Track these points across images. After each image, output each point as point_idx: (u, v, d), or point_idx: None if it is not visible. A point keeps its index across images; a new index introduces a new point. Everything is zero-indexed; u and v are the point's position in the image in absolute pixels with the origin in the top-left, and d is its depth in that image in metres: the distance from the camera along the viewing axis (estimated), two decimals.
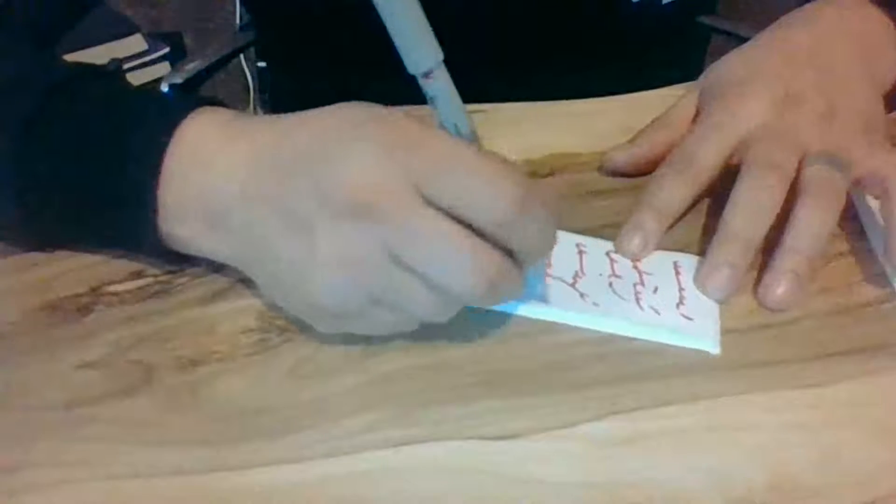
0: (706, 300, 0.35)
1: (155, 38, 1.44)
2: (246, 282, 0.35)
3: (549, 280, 0.36)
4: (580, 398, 0.31)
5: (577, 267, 0.37)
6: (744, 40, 0.46)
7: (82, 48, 1.30)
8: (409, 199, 0.28)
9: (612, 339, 0.34)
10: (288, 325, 0.34)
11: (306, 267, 0.29)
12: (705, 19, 0.73)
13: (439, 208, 0.28)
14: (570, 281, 0.36)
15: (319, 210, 0.28)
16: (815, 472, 0.29)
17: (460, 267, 0.28)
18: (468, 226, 0.28)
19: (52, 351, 0.33)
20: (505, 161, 0.29)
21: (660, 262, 0.37)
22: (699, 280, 0.36)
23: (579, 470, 0.29)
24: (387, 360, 0.33)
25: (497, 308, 0.34)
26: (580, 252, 0.37)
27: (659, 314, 0.34)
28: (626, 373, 0.32)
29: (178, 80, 0.78)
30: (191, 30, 1.64)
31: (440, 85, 0.29)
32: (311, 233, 0.29)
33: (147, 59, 1.40)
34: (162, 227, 0.33)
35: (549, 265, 0.36)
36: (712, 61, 0.47)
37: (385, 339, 0.33)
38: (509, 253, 0.29)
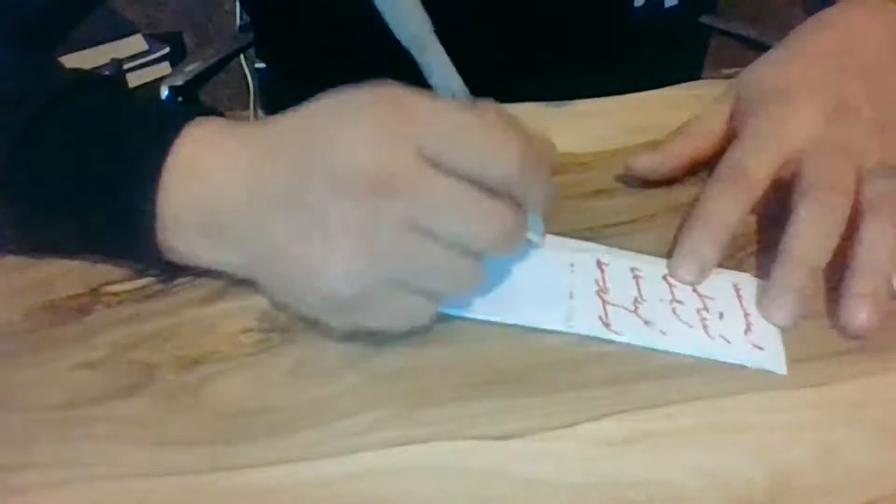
0: (770, 325, 0.34)
1: (155, 38, 1.44)
2: (246, 282, 0.35)
3: (609, 307, 0.35)
4: (580, 398, 0.31)
5: (636, 293, 0.36)
6: (744, 40, 0.46)
7: (82, 48, 1.30)
8: (419, 167, 0.28)
9: (611, 338, 0.34)
10: (288, 324, 0.34)
11: (322, 258, 0.29)
12: (706, 19, 0.73)
13: (445, 170, 0.29)
14: (632, 308, 0.35)
15: (331, 197, 0.29)
16: (815, 471, 0.29)
17: (477, 220, 0.29)
18: (474, 180, 0.29)
19: (52, 351, 0.33)
20: (503, 117, 0.30)
21: (719, 285, 0.36)
22: (764, 307, 0.34)
23: (579, 470, 0.29)
24: (387, 360, 0.33)
25: (559, 331, 0.34)
26: (636, 277, 0.36)
27: (729, 343, 0.33)
28: (626, 373, 0.32)
29: (179, 81, 0.78)
30: (191, 30, 1.64)
31: (432, 54, 0.29)
32: (326, 223, 0.29)
33: (147, 59, 1.41)
34: (161, 240, 0.33)
35: (606, 291, 0.36)
36: (712, 61, 0.46)
37: (385, 339, 0.33)
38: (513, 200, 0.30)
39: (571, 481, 0.28)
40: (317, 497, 0.28)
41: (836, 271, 0.35)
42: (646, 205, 0.41)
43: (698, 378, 0.32)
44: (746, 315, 0.35)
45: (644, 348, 0.33)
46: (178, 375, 0.32)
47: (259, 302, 0.35)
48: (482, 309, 0.34)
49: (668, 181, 0.43)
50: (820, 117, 0.38)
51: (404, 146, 0.28)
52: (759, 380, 0.32)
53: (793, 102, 0.39)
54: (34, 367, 0.33)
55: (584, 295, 0.35)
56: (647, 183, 0.43)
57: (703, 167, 0.42)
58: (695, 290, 0.36)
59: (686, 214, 0.39)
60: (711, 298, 0.35)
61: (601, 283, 0.36)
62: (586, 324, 0.34)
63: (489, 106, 0.31)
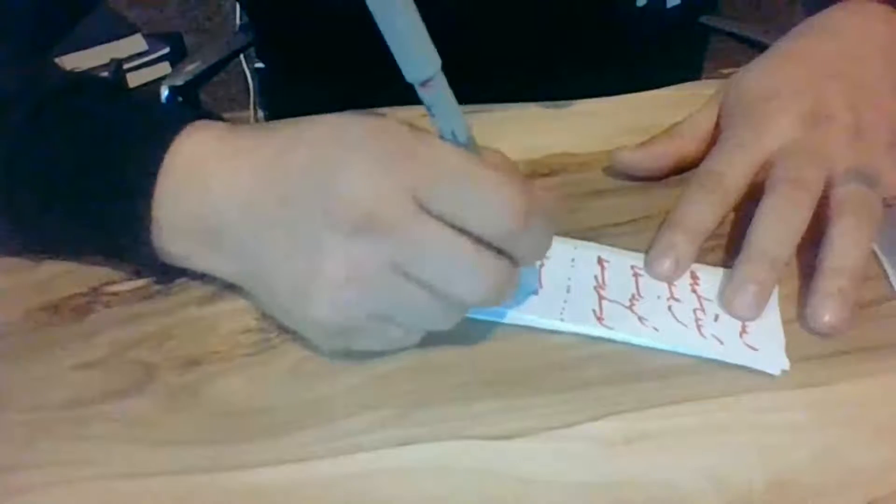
0: (769, 323, 0.34)
1: (155, 38, 1.44)
2: None
3: (604, 302, 0.35)
4: (580, 398, 0.31)
5: (634, 289, 0.36)
6: (744, 40, 0.46)
7: (82, 48, 1.30)
8: (411, 211, 0.28)
9: (611, 338, 0.34)
10: None
11: (310, 287, 0.29)
12: (706, 19, 0.73)
13: (440, 218, 0.28)
14: (627, 304, 0.35)
15: (325, 229, 0.28)
16: (815, 472, 0.29)
17: (466, 275, 0.28)
18: (468, 232, 0.28)
19: (52, 351, 0.33)
20: (505, 167, 0.29)
21: (718, 286, 0.36)
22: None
23: (579, 470, 0.29)
24: (387, 360, 0.33)
25: (551, 326, 0.34)
26: (635, 274, 0.37)
27: (722, 344, 0.33)
28: (626, 373, 0.32)
29: (179, 81, 0.78)
30: (191, 30, 1.64)
31: (438, 93, 0.28)
32: (318, 252, 0.28)
33: (147, 59, 1.40)
34: (157, 243, 0.33)
35: (604, 287, 0.36)
36: (712, 61, 0.46)
37: None
38: (507, 255, 0.29)
39: (571, 481, 0.28)
40: (316, 497, 0.28)
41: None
42: (646, 205, 0.41)
43: (698, 378, 0.32)
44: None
45: (636, 344, 0.33)
46: (178, 375, 0.32)
47: None
48: None
49: (650, 178, 0.43)
50: (795, 123, 0.39)
51: (399, 188, 0.28)
52: (759, 380, 0.32)
53: (770, 109, 0.40)
54: (34, 367, 0.33)
55: (580, 289, 0.36)
56: (647, 182, 0.43)
57: (693, 168, 0.43)
58: (694, 291, 0.36)
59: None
60: (709, 300, 0.35)
61: (600, 280, 0.36)
62: (579, 317, 0.34)
63: (494, 155, 0.30)
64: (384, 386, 0.32)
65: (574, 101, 0.50)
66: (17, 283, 0.36)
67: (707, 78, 0.65)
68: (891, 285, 0.36)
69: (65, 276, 0.37)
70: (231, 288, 0.36)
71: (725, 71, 0.48)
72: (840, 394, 0.31)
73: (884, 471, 0.29)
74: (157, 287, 0.36)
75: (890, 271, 0.37)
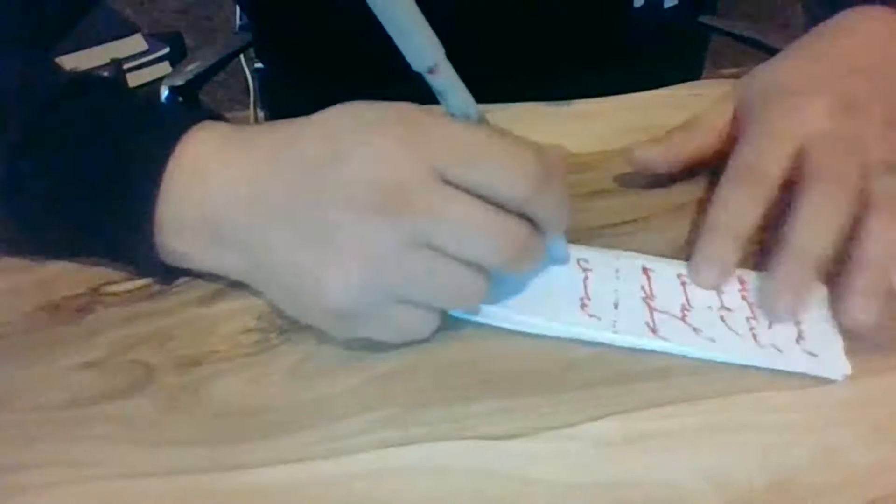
0: (826, 328, 0.33)
1: (155, 38, 1.44)
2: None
3: (656, 315, 0.34)
4: (580, 398, 0.31)
5: (683, 299, 0.35)
6: (743, 40, 0.45)
7: (82, 48, 1.30)
8: (433, 185, 0.29)
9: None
10: (288, 325, 0.34)
11: (325, 272, 0.29)
12: (705, 19, 0.73)
13: (460, 189, 0.29)
14: (679, 315, 0.34)
15: (340, 210, 0.29)
16: (815, 471, 0.29)
17: (486, 234, 0.29)
18: (487, 201, 0.29)
19: (52, 351, 0.33)
20: (518, 139, 0.30)
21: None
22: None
23: (579, 470, 0.29)
24: (386, 360, 0.33)
25: (603, 339, 0.33)
26: (683, 283, 0.36)
27: (781, 352, 0.32)
28: (626, 373, 0.32)
29: (179, 81, 0.78)
30: (191, 30, 1.64)
31: (446, 78, 0.29)
32: (330, 237, 0.29)
33: (147, 59, 1.40)
34: (159, 241, 0.33)
35: (652, 297, 0.35)
36: (712, 61, 0.46)
37: None
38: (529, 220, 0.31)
39: (571, 481, 0.28)
40: (316, 497, 0.28)
41: (837, 268, 0.35)
42: (646, 205, 0.41)
43: (698, 378, 0.32)
44: (798, 322, 0.34)
45: (694, 357, 0.33)
46: (178, 375, 0.32)
47: (259, 302, 0.35)
48: (524, 320, 0.34)
49: (667, 178, 0.42)
50: (827, 113, 0.38)
51: (419, 164, 0.29)
52: (758, 380, 0.32)
53: (801, 99, 0.39)
54: (34, 367, 0.33)
55: (629, 301, 0.35)
56: (647, 182, 0.43)
57: (702, 167, 0.42)
58: (744, 298, 0.35)
59: (687, 214, 0.39)
60: (761, 308, 0.34)
61: (647, 290, 0.35)
62: (632, 329, 0.33)
63: (508, 133, 0.31)
64: (384, 386, 0.32)
65: (574, 101, 0.50)
66: (17, 283, 0.36)
67: (707, 78, 0.65)
68: (891, 285, 0.36)
69: (65, 276, 0.37)
70: (231, 288, 0.36)
71: (725, 71, 0.48)
72: (840, 394, 0.31)
73: (883, 471, 0.29)
74: (157, 287, 0.36)
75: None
